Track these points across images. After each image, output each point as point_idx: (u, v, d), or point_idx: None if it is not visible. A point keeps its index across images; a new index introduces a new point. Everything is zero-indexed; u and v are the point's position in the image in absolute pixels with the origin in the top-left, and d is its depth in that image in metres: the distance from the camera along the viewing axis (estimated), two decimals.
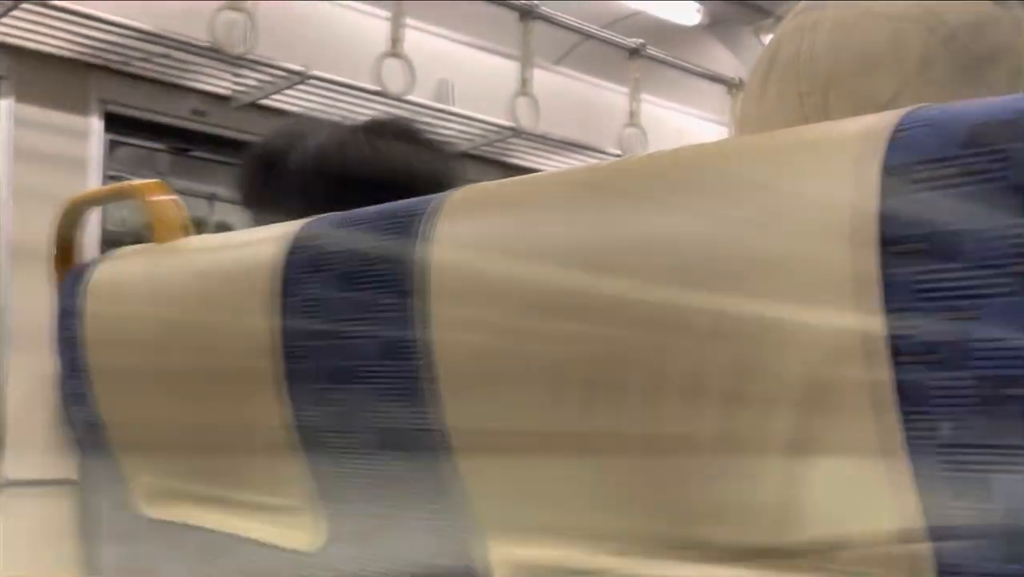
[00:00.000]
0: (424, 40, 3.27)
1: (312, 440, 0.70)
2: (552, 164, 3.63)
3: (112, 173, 2.90)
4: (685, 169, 0.52)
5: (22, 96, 2.66)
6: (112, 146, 2.92)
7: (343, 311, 0.65)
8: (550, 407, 0.55)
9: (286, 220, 0.73)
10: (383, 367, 0.63)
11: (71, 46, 2.66)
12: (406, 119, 1.22)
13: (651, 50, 3.64)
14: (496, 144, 3.46)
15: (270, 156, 1.10)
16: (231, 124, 2.99)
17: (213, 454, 0.79)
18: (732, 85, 3.89)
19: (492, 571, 0.60)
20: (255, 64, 2.81)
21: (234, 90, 2.97)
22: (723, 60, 4.16)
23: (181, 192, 0.99)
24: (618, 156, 3.49)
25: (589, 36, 3.59)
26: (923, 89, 0.60)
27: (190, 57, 2.76)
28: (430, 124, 2.64)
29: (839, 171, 0.44)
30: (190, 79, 2.90)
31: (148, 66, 2.79)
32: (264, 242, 0.72)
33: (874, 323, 0.42)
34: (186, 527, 0.82)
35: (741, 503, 0.49)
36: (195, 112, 2.99)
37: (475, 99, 3.39)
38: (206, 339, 0.76)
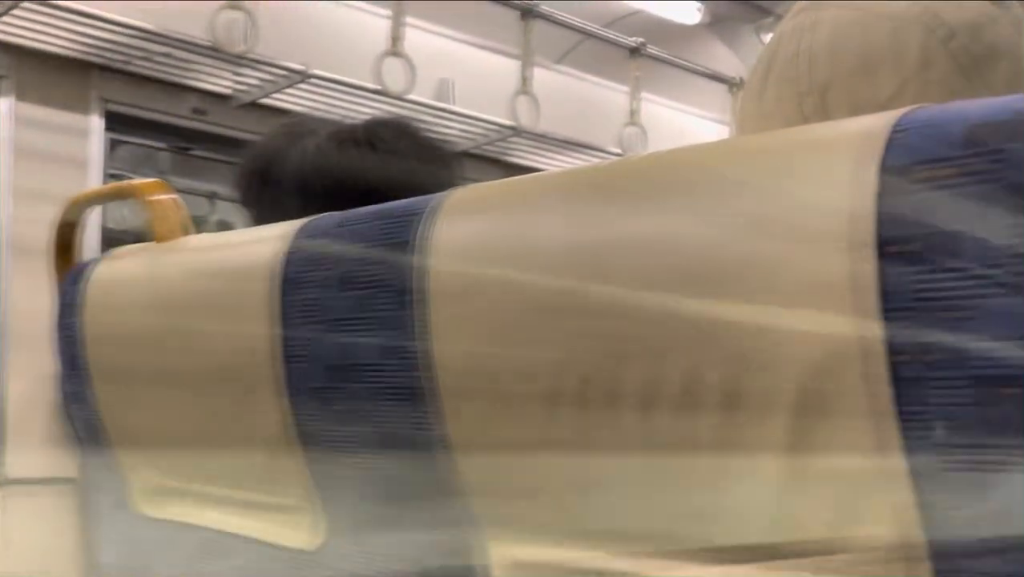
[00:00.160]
0: (425, 39, 3.27)
1: (311, 439, 0.70)
2: (552, 163, 3.63)
3: (113, 172, 2.90)
4: (685, 169, 0.52)
5: (22, 95, 2.66)
6: (113, 145, 2.92)
7: (342, 310, 0.65)
8: (549, 407, 0.55)
9: (285, 220, 0.73)
10: (382, 366, 0.63)
11: (72, 45, 2.66)
12: (406, 118, 1.22)
13: (652, 49, 3.63)
14: (496, 143, 3.46)
15: (269, 155, 1.10)
16: (231, 123, 2.99)
17: (212, 453, 0.79)
18: (733, 84, 3.89)
19: (491, 571, 0.60)
20: (255, 63, 2.81)
21: (235, 89, 2.97)
22: (724, 59, 4.15)
23: (182, 191, 0.99)
24: (618, 155, 3.49)
25: (590, 35, 3.59)
26: (922, 89, 0.60)
27: (191, 56, 2.75)
28: (430, 123, 2.64)
29: (837, 171, 0.44)
30: (191, 78, 2.90)
31: (149, 65, 2.79)
32: (264, 241, 0.72)
33: (871, 324, 0.42)
34: (186, 526, 0.82)
35: (739, 504, 0.49)
36: (196, 111, 2.99)
37: (475, 98, 3.39)
38: (206, 338, 0.76)
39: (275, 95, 2.96)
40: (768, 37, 0.69)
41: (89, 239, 2.39)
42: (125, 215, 2.83)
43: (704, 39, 4.21)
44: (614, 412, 0.52)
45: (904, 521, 0.43)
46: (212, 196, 3.19)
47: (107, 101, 2.82)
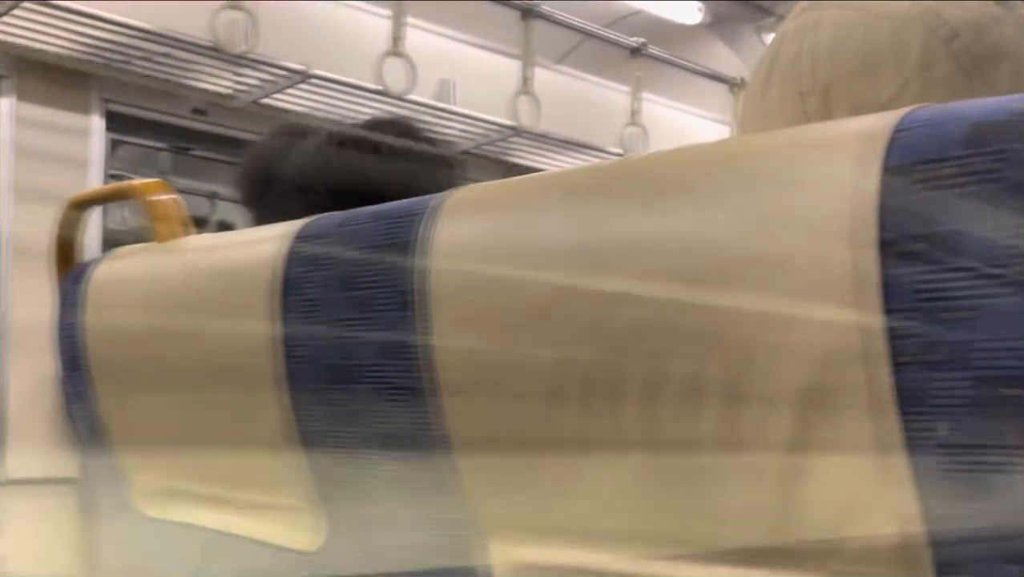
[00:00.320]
0: (425, 39, 3.27)
1: (312, 440, 0.69)
2: (553, 163, 3.62)
3: (113, 172, 2.90)
4: (686, 168, 0.52)
5: (23, 95, 2.66)
6: (113, 145, 2.92)
7: (343, 310, 0.65)
8: (550, 407, 0.55)
9: (286, 220, 0.73)
10: (383, 366, 0.63)
11: (72, 45, 2.66)
12: (407, 118, 1.22)
13: (652, 49, 3.63)
14: (497, 143, 3.46)
15: (271, 156, 1.10)
16: (232, 123, 2.99)
17: (213, 453, 0.79)
18: (734, 84, 3.88)
19: (492, 571, 0.60)
20: (256, 63, 2.81)
21: (235, 89, 2.97)
22: (725, 59, 4.15)
23: (182, 191, 0.99)
24: (619, 155, 3.49)
25: (590, 35, 3.59)
26: (924, 89, 0.60)
27: (191, 56, 2.75)
28: (431, 123, 2.64)
29: (839, 171, 0.44)
30: (191, 78, 2.90)
31: (149, 65, 2.79)
32: (264, 241, 0.72)
33: (873, 323, 0.42)
34: (186, 526, 0.82)
35: (741, 503, 0.48)
36: (196, 111, 2.99)
37: (476, 98, 3.39)
38: (206, 338, 0.76)
39: (276, 95, 2.96)
40: (769, 37, 0.69)
41: (90, 239, 2.39)
42: (126, 215, 2.83)
43: (705, 39, 4.21)
44: (615, 412, 0.52)
45: (906, 519, 0.43)
46: (213, 196, 3.19)
47: (107, 101, 2.82)
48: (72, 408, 0.91)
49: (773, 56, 0.68)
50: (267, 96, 2.95)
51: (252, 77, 2.91)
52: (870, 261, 0.42)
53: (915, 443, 0.42)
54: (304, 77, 2.89)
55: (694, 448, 0.49)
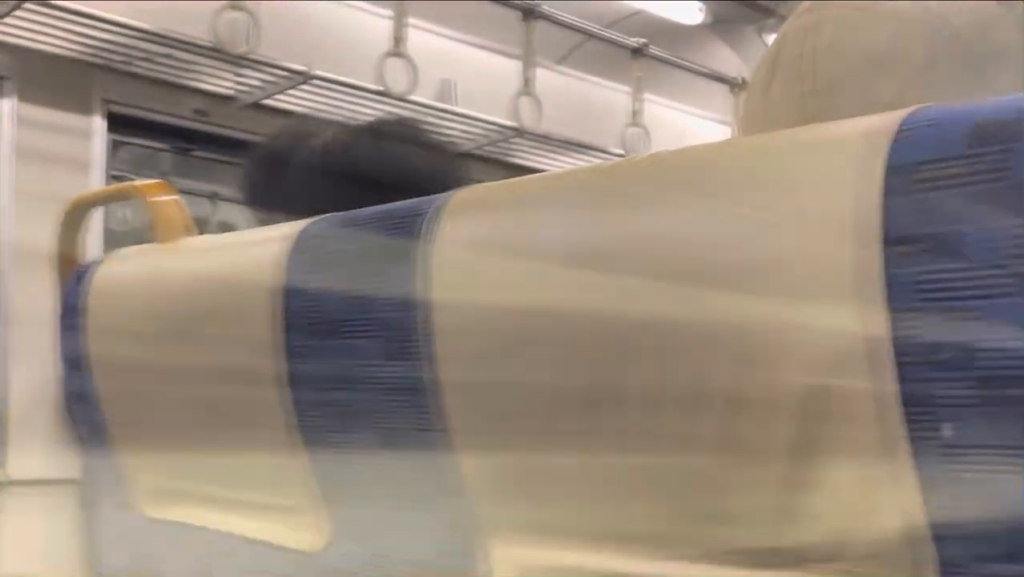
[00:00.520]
0: (427, 40, 3.27)
1: (315, 440, 0.69)
2: (555, 164, 3.63)
3: (115, 173, 2.90)
4: (688, 169, 0.52)
5: (25, 96, 2.66)
6: (115, 146, 2.92)
7: (345, 311, 0.65)
8: (552, 407, 0.55)
9: (290, 220, 0.73)
10: (385, 367, 0.63)
11: (74, 46, 2.66)
12: (411, 119, 1.22)
13: (654, 49, 3.63)
14: (499, 144, 3.46)
15: (275, 156, 1.10)
16: (234, 124, 2.99)
17: (216, 454, 0.79)
18: (735, 84, 3.88)
19: (493, 571, 0.60)
20: (257, 64, 2.81)
21: (237, 90, 2.97)
22: (726, 59, 4.15)
23: (184, 192, 0.99)
24: (621, 156, 3.49)
25: (592, 35, 3.59)
26: (926, 89, 0.60)
27: (193, 57, 2.75)
28: (433, 124, 2.64)
29: (843, 171, 0.44)
30: (193, 79, 2.90)
31: (151, 66, 2.79)
32: (267, 242, 0.72)
33: (877, 323, 0.42)
34: (189, 527, 0.82)
35: (744, 504, 0.48)
36: (198, 112, 2.99)
37: (478, 99, 3.39)
38: (209, 339, 0.76)
39: (277, 96, 2.96)
40: (770, 37, 0.69)
41: (91, 240, 2.39)
42: (127, 216, 2.84)
43: (706, 39, 4.21)
44: (617, 412, 0.52)
45: (910, 519, 0.43)
46: (214, 197, 3.19)
47: (109, 102, 2.82)
48: (74, 408, 0.91)
49: (775, 56, 0.68)
50: (268, 97, 2.96)
51: (253, 78, 2.91)
52: (874, 261, 0.42)
53: (919, 443, 0.42)
54: (305, 78, 2.90)
55: (697, 449, 0.49)
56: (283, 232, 0.71)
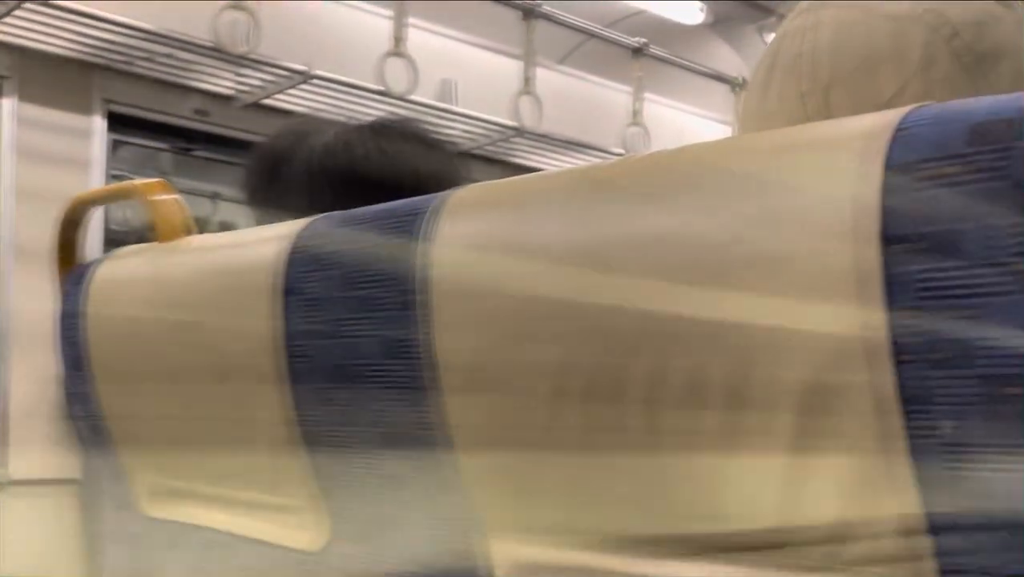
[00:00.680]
0: (427, 39, 3.27)
1: (315, 439, 0.70)
2: (555, 163, 3.62)
3: (115, 172, 2.90)
4: (688, 168, 0.52)
5: (25, 95, 2.66)
6: (115, 145, 2.92)
7: (345, 310, 0.65)
8: (551, 406, 0.55)
9: (292, 219, 0.73)
10: (385, 366, 0.63)
11: (74, 46, 2.66)
12: (412, 119, 1.22)
13: (654, 49, 3.63)
14: (499, 143, 3.46)
15: (276, 155, 1.10)
16: (234, 124, 3.00)
17: (216, 454, 0.79)
18: (735, 84, 3.88)
19: (494, 570, 0.60)
20: (258, 64, 2.81)
21: (237, 90, 2.97)
22: (726, 59, 4.15)
23: (184, 191, 0.99)
24: (621, 155, 3.49)
25: (592, 35, 3.59)
26: (925, 87, 0.60)
27: (193, 56, 2.75)
28: (433, 123, 2.64)
29: (842, 170, 0.44)
30: (193, 79, 2.90)
31: (151, 66, 2.79)
32: (266, 241, 0.72)
33: (876, 322, 0.42)
34: (189, 526, 0.82)
35: (743, 502, 0.48)
36: (198, 112, 2.99)
37: (478, 98, 3.39)
38: (209, 338, 0.76)
39: (277, 96, 2.96)
40: (770, 37, 0.69)
41: (91, 240, 2.39)
42: (127, 216, 2.84)
43: (706, 39, 4.21)
44: (618, 410, 0.52)
45: (908, 518, 0.43)
46: (214, 196, 3.19)
47: (109, 102, 2.83)
48: (74, 408, 0.91)
49: (773, 56, 0.68)
50: (268, 97, 2.96)
51: (254, 77, 2.91)
52: (873, 260, 0.42)
53: (918, 442, 0.42)
54: (306, 77, 2.90)
55: (696, 447, 0.49)
56: (283, 231, 0.71)
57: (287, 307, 0.69)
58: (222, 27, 2.66)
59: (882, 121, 0.44)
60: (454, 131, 3.27)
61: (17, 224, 2.60)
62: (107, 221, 2.79)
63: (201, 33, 2.67)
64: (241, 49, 2.70)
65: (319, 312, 0.67)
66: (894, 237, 0.42)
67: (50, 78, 2.69)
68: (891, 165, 0.42)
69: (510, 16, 3.28)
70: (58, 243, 0.95)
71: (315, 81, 2.92)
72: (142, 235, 0.91)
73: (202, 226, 3.03)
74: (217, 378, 0.76)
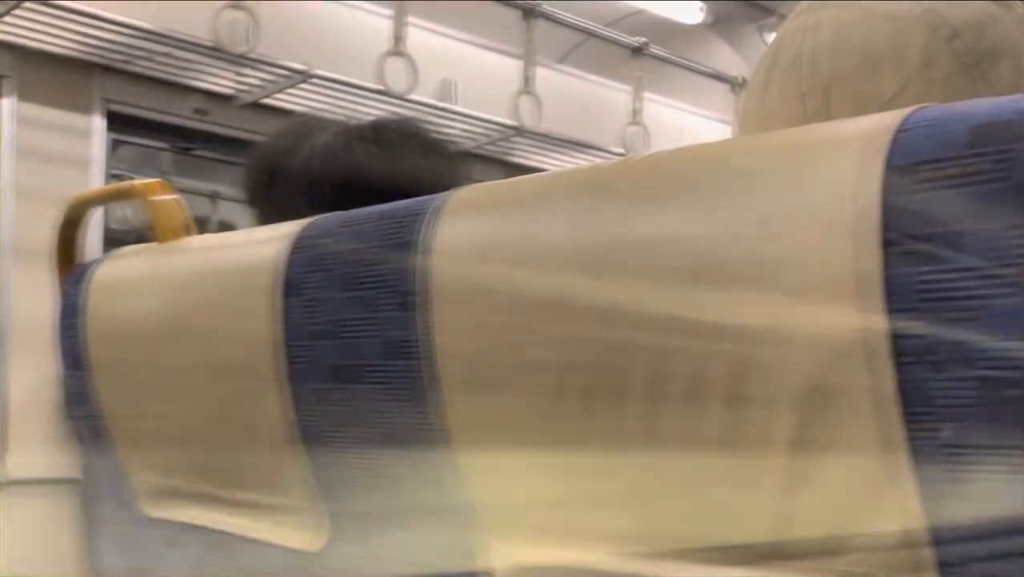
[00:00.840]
0: (427, 39, 3.27)
1: (314, 439, 0.69)
2: (555, 163, 3.63)
3: (115, 172, 2.90)
4: (688, 168, 0.52)
5: (24, 95, 2.66)
6: (115, 145, 2.92)
7: (345, 310, 0.65)
8: (551, 407, 0.55)
9: (292, 219, 0.73)
10: (385, 366, 0.63)
11: (74, 45, 2.66)
12: (412, 119, 1.22)
13: (654, 49, 3.63)
14: (499, 143, 3.46)
15: (276, 155, 1.10)
16: (234, 123, 3.00)
17: (215, 454, 0.79)
18: (735, 84, 3.88)
19: (493, 571, 0.60)
20: (257, 63, 2.81)
21: (237, 89, 2.97)
22: (726, 59, 4.15)
23: (184, 191, 0.99)
24: (621, 155, 3.49)
25: (592, 35, 3.59)
26: (925, 88, 0.60)
27: (193, 56, 2.76)
28: (433, 123, 2.64)
29: (842, 171, 0.44)
30: (193, 78, 2.90)
31: (151, 65, 2.79)
32: (266, 241, 0.72)
33: (876, 323, 0.42)
34: (188, 526, 0.82)
35: (743, 503, 0.48)
36: (197, 111, 2.99)
37: (478, 98, 3.39)
38: (208, 339, 0.76)
39: (277, 95, 2.96)
40: (771, 37, 0.69)
41: (91, 239, 2.39)
42: (127, 215, 2.84)
43: (706, 39, 4.21)
44: (617, 411, 0.52)
45: (908, 520, 0.43)
46: (214, 196, 3.19)
47: (109, 101, 2.82)
48: (73, 408, 0.91)
49: (773, 56, 0.68)
50: (268, 96, 2.96)
51: (253, 77, 2.91)
52: (873, 261, 0.42)
53: (918, 444, 0.42)
54: (305, 77, 2.90)
55: (696, 448, 0.49)
56: (283, 231, 0.71)
57: (287, 307, 0.69)
58: (222, 26, 2.66)
59: (883, 122, 0.44)
60: (454, 130, 3.27)
61: (17, 224, 2.60)
62: (107, 221, 2.79)
63: (201, 33, 2.67)
64: (241, 48, 2.70)
65: (319, 312, 0.67)
66: (894, 239, 0.42)
67: (50, 77, 2.69)
68: (892, 166, 0.42)
69: (510, 15, 3.28)
70: (58, 243, 0.95)
71: (315, 81, 2.92)
72: (142, 235, 0.91)
73: (202, 226, 3.03)
74: (217, 378, 0.76)
